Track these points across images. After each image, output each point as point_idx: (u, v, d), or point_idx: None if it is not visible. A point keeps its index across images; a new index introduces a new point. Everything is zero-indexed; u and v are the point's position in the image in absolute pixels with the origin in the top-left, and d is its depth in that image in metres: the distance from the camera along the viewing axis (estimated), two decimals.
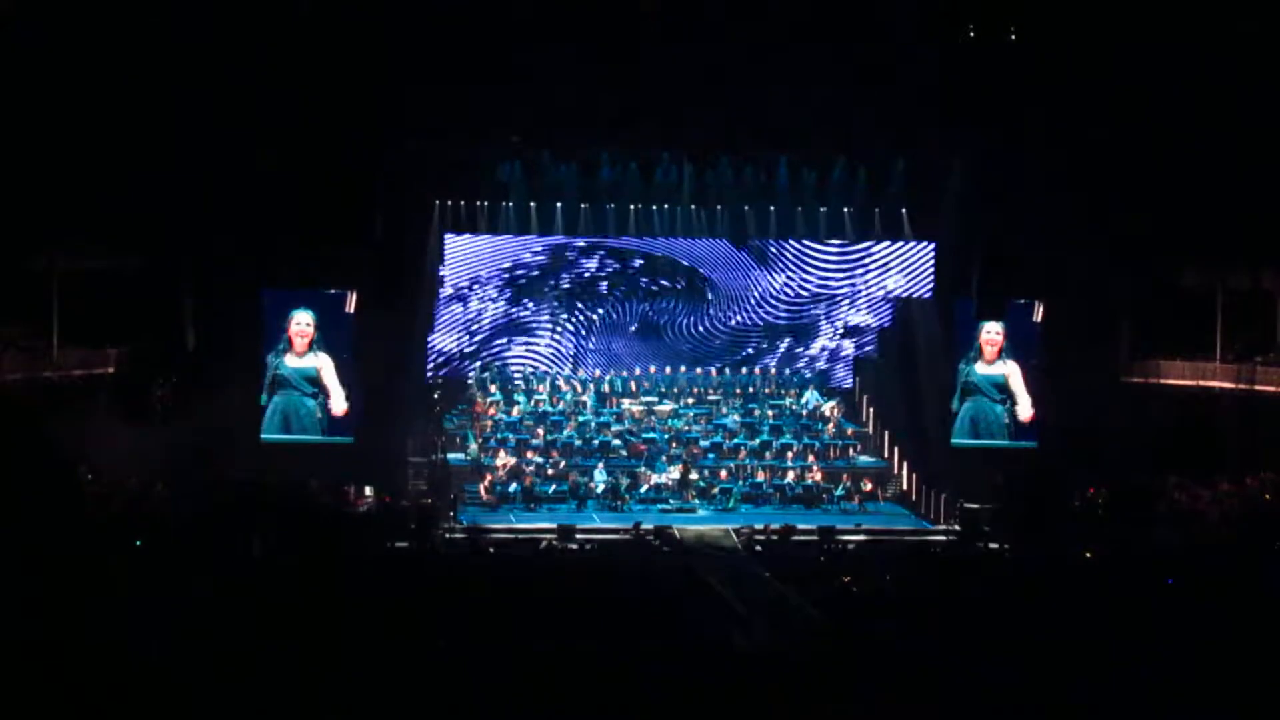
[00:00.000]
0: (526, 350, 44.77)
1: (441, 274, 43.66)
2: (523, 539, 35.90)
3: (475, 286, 44.18)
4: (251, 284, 39.88)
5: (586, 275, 44.51)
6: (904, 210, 43.53)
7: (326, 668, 19.03)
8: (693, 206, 43.26)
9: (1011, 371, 41.04)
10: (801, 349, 45.43)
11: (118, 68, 36.55)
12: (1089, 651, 20.56)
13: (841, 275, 44.84)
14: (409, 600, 24.47)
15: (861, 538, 36.55)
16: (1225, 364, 40.88)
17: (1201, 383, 40.95)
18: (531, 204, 43.02)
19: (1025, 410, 40.87)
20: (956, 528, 37.64)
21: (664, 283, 44.76)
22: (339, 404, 39.72)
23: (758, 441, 41.61)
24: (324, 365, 39.82)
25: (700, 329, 45.13)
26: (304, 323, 39.91)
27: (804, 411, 43.47)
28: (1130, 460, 37.95)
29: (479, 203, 43.02)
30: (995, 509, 37.04)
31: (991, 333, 41.23)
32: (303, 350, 39.84)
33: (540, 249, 43.99)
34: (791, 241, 44.34)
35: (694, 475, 40.17)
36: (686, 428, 42.27)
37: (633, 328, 44.95)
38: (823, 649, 23.31)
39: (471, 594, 25.23)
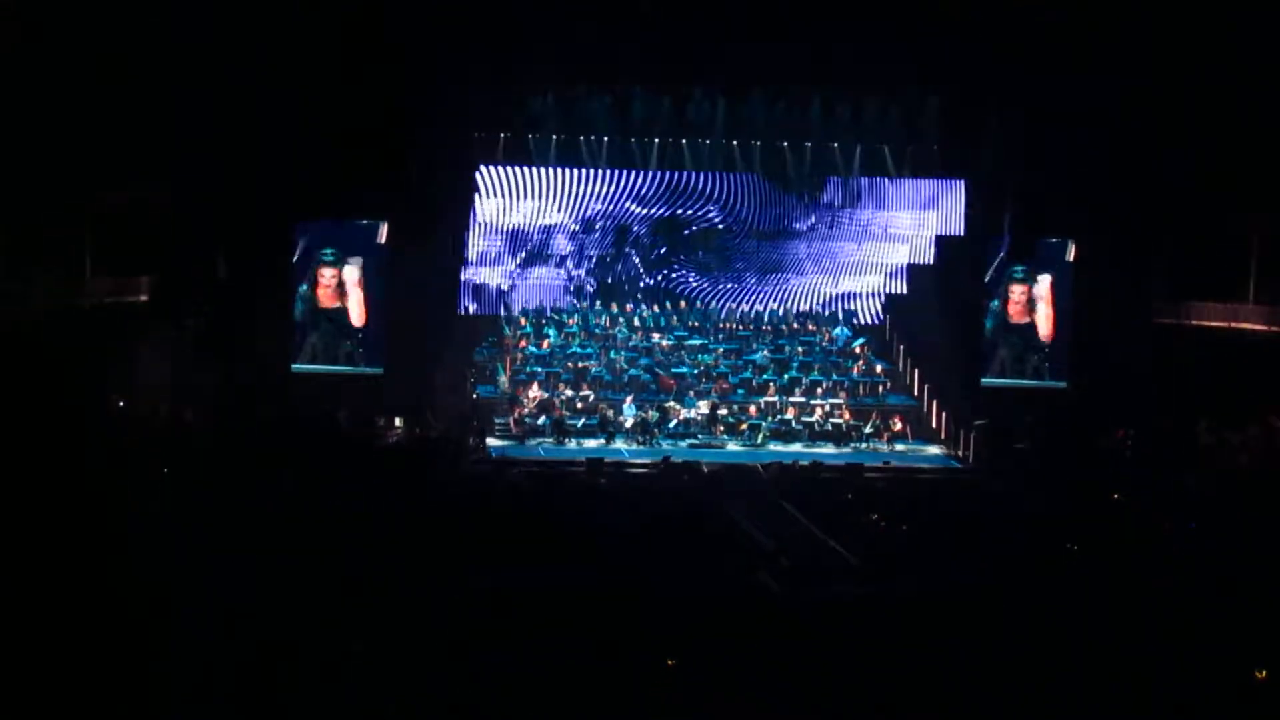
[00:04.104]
0: (558, 283, 44.81)
1: (475, 206, 43.75)
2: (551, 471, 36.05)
3: (508, 219, 44.18)
4: (284, 214, 39.94)
5: (620, 208, 44.48)
6: (936, 147, 43.47)
7: (352, 601, 19.17)
8: (724, 141, 43.29)
9: (1040, 308, 40.99)
10: (833, 285, 45.40)
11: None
12: (1112, 594, 20.60)
13: (874, 212, 44.77)
14: (437, 531, 24.61)
15: (890, 475, 36.64)
16: (1259, 306, 40.68)
17: (1234, 325, 40.76)
18: (565, 136, 43.09)
19: (1044, 328, 40.91)
20: (982, 465, 37.72)
21: (697, 216, 44.71)
22: (356, 313, 39.84)
23: (787, 378, 41.65)
24: (354, 300, 39.95)
25: (732, 264, 45.13)
26: (329, 274, 40.07)
27: (834, 348, 43.49)
28: (1160, 402, 37.87)
29: (513, 136, 43.09)
30: (1021, 448, 37.10)
31: (1016, 293, 41.22)
32: (330, 299, 40.02)
33: (574, 181, 43.98)
34: (824, 178, 44.31)
35: (723, 410, 40.25)
36: (716, 363, 42.34)
37: (664, 261, 44.94)
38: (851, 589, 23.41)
39: (499, 526, 25.36)
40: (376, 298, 40.28)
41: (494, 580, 20.70)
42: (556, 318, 43.79)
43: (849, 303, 45.29)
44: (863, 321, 45.10)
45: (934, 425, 41.21)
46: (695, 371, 41.85)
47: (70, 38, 35.51)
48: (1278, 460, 34.86)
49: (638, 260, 44.84)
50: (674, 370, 41.64)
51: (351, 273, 40.27)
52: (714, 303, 44.63)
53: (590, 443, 39.04)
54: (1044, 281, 41.59)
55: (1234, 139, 38.54)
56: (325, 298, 40.00)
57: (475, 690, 16.83)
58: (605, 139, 43.14)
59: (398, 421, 38.32)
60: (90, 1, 35.89)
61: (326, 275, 39.91)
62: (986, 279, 41.65)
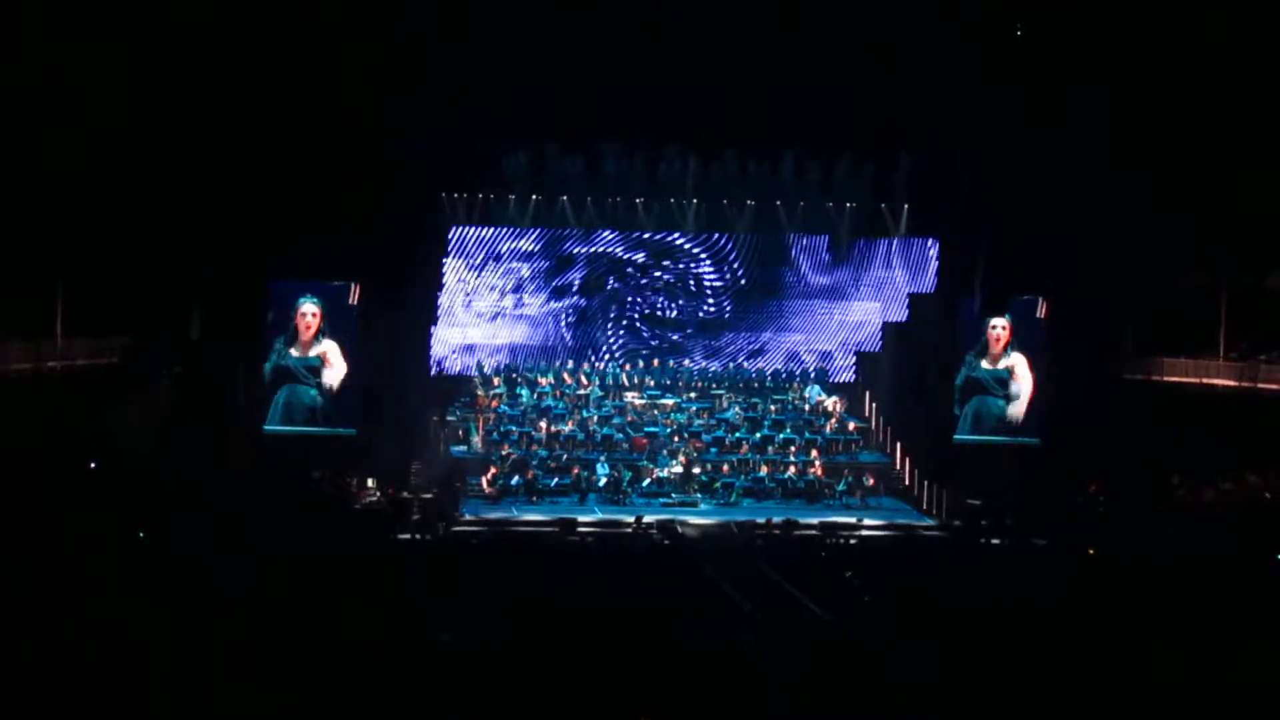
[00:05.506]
0: (530, 342, 44.85)
1: (445, 266, 43.79)
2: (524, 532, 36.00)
3: (480, 279, 44.26)
4: (257, 275, 39.93)
5: (591, 267, 44.60)
6: (908, 206, 43.72)
7: (327, 659, 19.08)
8: (697, 201, 43.50)
9: (1017, 363, 41.11)
10: (805, 342, 45.50)
11: (126, 60, 36.52)
12: (1087, 648, 20.60)
13: (846, 270, 44.91)
14: (411, 592, 24.53)
15: (863, 533, 36.65)
16: (1228, 362, 40.85)
17: (1204, 380, 40.92)
18: (537, 197, 43.26)
19: (1020, 407, 40.97)
20: (957, 523, 37.68)
21: (669, 276, 44.85)
22: (336, 377, 39.80)
23: (760, 436, 41.68)
24: (329, 349, 39.95)
25: (704, 322, 45.23)
26: (310, 313, 40.03)
27: (806, 406, 43.55)
28: (1132, 457, 37.94)
29: (484, 195, 43.23)
30: (996, 505, 37.09)
31: (998, 327, 41.30)
32: (308, 340, 39.94)
33: (545, 241, 44.10)
34: (796, 236, 44.50)
35: (696, 469, 40.22)
36: (689, 421, 42.35)
37: (636, 320, 45.06)
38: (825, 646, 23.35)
39: (472, 586, 25.29)
40: (348, 359, 40.16)
41: (467, 641, 20.63)
42: (529, 377, 43.78)
43: (821, 360, 45.38)
44: (835, 379, 45.22)
45: (906, 482, 41.27)
46: (668, 430, 41.85)
47: (42, 92, 35.48)
48: (1251, 514, 34.91)
49: (610, 319, 44.91)
50: (647, 429, 41.64)
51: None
52: (687, 361, 44.70)
53: (564, 502, 38.97)
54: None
55: (1203, 196, 38.75)
56: (304, 343, 39.90)
57: None
58: (577, 199, 43.30)
59: (370, 483, 38.19)
60: (67, 49, 35.79)
61: (307, 314, 39.89)
62: (961, 336, 41.74)
